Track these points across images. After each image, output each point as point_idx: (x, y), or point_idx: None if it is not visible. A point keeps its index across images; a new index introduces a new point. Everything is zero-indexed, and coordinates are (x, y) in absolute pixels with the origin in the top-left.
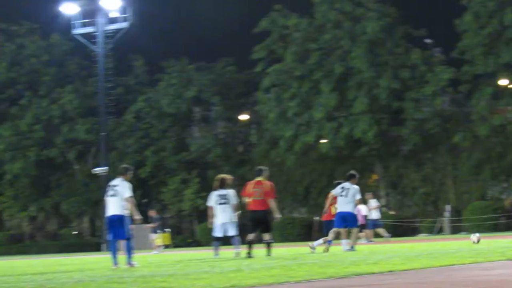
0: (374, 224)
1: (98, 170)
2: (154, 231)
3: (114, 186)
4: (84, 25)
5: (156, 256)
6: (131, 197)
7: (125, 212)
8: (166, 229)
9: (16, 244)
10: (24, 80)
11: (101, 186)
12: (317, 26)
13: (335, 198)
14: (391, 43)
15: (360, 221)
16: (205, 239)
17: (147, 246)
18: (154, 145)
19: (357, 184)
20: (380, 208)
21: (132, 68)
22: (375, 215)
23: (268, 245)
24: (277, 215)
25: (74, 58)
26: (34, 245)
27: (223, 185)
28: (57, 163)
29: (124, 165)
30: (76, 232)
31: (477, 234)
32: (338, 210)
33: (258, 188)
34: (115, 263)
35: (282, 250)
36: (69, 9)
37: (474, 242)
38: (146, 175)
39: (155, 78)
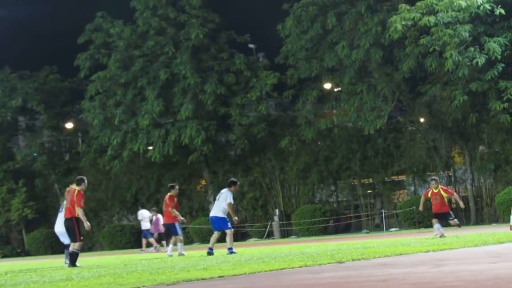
0: (146, 234)
1: None
2: None
3: None
4: None
5: None
6: None
7: None
8: None
9: None
10: None
11: None
12: (140, 33)
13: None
14: (215, 48)
15: (160, 230)
16: (34, 248)
17: None
18: None
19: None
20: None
21: None
22: (148, 225)
23: (70, 255)
24: (86, 223)
25: None
26: None
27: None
28: None
29: None
30: None
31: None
32: (210, 215)
33: (69, 197)
34: None
35: (112, 258)
36: None
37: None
38: None
39: None
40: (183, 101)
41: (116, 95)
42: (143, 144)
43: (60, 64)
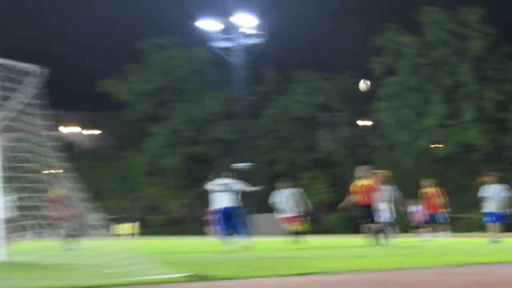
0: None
1: (238, 165)
2: None
3: (227, 183)
4: (223, 39)
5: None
6: (245, 187)
7: (239, 204)
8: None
9: (174, 226)
10: (173, 87)
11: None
12: (427, 43)
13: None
14: (494, 59)
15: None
16: (335, 228)
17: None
18: (286, 145)
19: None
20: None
21: (266, 77)
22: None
23: (374, 234)
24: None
25: (214, 68)
26: (190, 228)
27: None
28: (202, 159)
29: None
30: None
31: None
32: (486, 210)
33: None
34: (230, 245)
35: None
36: (207, 24)
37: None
38: (280, 171)
39: (286, 87)
40: (465, 105)
41: (405, 98)
42: (429, 141)
43: (354, 67)
